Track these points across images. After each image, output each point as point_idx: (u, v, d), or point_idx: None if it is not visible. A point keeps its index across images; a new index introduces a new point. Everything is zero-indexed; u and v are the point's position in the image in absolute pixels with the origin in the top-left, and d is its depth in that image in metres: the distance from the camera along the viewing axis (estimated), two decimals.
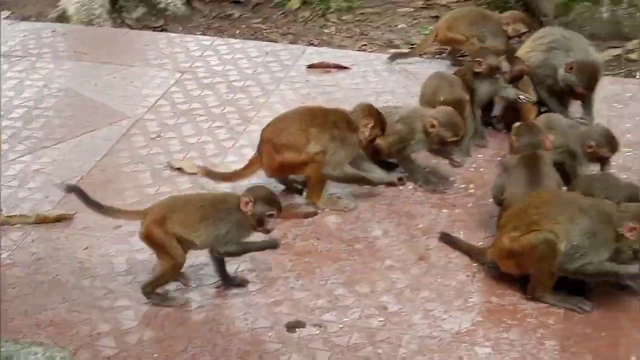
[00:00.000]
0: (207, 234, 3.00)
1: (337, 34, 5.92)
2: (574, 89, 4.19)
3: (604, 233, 3.08)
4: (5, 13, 6.07)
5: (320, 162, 3.60)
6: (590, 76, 4.18)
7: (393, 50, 5.38)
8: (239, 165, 3.91)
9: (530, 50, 4.48)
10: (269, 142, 3.64)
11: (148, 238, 3.03)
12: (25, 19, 5.94)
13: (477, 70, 4.21)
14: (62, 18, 5.91)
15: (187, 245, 3.03)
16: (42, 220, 3.57)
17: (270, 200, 3.06)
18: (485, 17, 5.03)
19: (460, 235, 3.63)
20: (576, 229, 3.11)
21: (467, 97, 4.18)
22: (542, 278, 3.15)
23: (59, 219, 3.58)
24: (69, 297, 3.10)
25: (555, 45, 4.35)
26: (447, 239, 3.55)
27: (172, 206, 3.14)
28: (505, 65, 4.31)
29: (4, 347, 2.81)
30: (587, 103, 4.34)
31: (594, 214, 3.13)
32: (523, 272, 3.21)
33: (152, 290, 3.04)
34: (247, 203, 2.96)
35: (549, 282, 3.15)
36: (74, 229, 3.56)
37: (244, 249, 3.05)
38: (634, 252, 3.07)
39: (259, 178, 3.75)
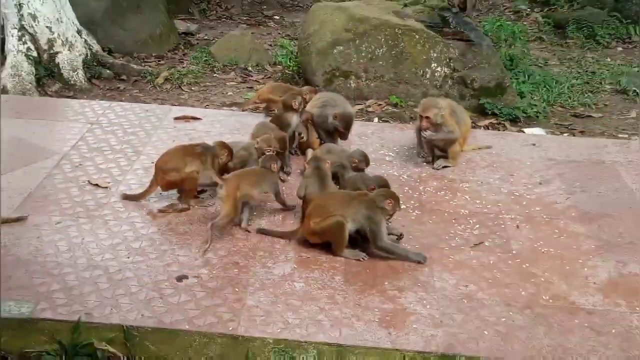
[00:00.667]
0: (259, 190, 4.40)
1: (190, 98, 7.20)
2: (338, 129, 5.38)
3: (374, 212, 4.16)
4: None
5: (193, 178, 4.57)
6: (347, 121, 5.37)
7: (227, 107, 6.65)
8: (138, 182, 4.92)
9: (312, 106, 5.55)
10: (160, 169, 4.59)
11: (228, 197, 4.24)
12: None
13: (293, 106, 5.30)
14: (3, 91, 6.79)
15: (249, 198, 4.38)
16: (5, 221, 4.30)
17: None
18: (291, 88, 6.13)
19: (278, 218, 4.63)
20: (357, 213, 4.18)
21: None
22: (339, 244, 4.15)
23: (17, 220, 4.36)
24: (29, 269, 3.88)
25: (327, 102, 5.54)
26: (263, 232, 4.40)
27: (239, 177, 4.40)
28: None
29: None
30: (344, 137, 5.45)
31: (365, 202, 4.20)
32: (324, 241, 4.21)
33: (220, 229, 4.26)
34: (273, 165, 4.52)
35: (342, 246, 4.16)
36: (28, 226, 4.34)
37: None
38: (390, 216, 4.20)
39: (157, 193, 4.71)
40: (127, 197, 4.73)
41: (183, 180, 4.60)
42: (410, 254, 4.22)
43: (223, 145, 4.83)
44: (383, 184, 4.44)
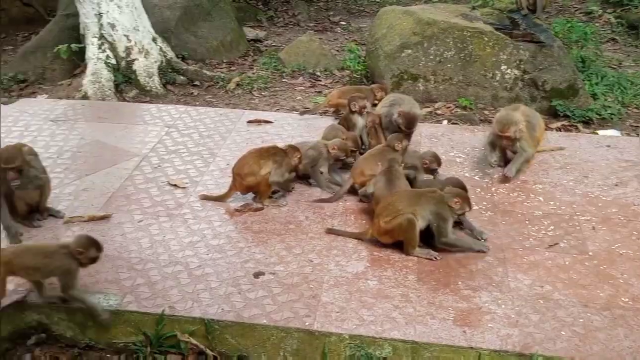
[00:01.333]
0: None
1: (260, 103, 7.27)
2: (401, 127, 5.24)
3: (442, 208, 4.21)
4: (45, 95, 7.14)
5: (267, 180, 4.68)
6: (409, 120, 5.26)
7: (296, 111, 6.68)
8: (215, 183, 5.07)
9: (382, 105, 5.66)
10: (238, 175, 4.71)
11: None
12: (59, 99, 6.95)
13: (352, 109, 5.52)
14: (85, 97, 7.03)
15: None
16: (92, 219, 4.52)
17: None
18: (361, 89, 6.29)
19: (351, 218, 4.66)
20: (426, 209, 4.22)
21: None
22: (410, 242, 4.17)
23: (102, 218, 4.55)
24: (115, 264, 4.06)
25: (395, 102, 5.55)
26: (333, 232, 4.43)
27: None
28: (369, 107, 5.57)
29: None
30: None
31: (433, 199, 4.24)
32: (395, 241, 4.23)
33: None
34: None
35: (414, 244, 4.17)
36: (112, 223, 4.52)
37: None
38: (459, 216, 4.23)
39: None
40: (206, 198, 4.85)
41: (259, 183, 4.72)
42: (474, 244, 4.29)
43: (294, 148, 4.92)
44: (458, 184, 4.45)
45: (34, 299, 3.79)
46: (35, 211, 4.53)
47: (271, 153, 4.82)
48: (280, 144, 5.32)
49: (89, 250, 3.60)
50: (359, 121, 5.58)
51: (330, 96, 6.48)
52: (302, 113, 6.45)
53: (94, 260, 3.65)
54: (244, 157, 4.83)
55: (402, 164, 4.77)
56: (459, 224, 4.43)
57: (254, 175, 4.70)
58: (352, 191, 4.98)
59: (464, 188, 4.43)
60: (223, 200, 4.82)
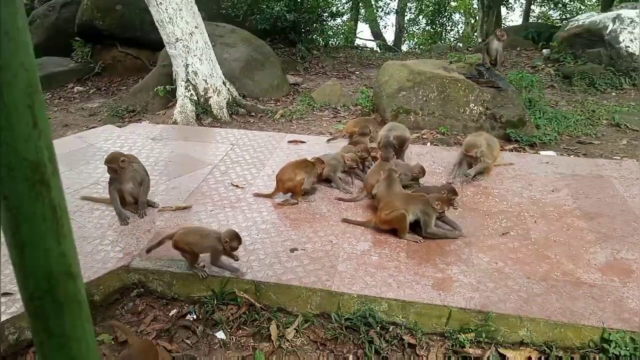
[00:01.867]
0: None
1: (297, 128, 7.27)
2: (395, 146, 5.25)
3: (428, 208, 4.16)
4: (147, 121, 7.28)
5: (301, 183, 4.69)
6: (401, 141, 5.27)
7: (324, 135, 6.63)
8: (264, 184, 5.03)
9: (383, 130, 5.50)
10: (280, 180, 4.71)
11: None
12: (157, 124, 7.09)
13: (364, 132, 5.60)
14: (175, 123, 7.17)
15: None
16: (178, 208, 4.57)
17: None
18: (369, 120, 6.19)
19: (359, 211, 4.59)
20: (416, 208, 4.17)
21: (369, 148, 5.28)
22: (402, 229, 4.14)
23: (185, 208, 4.58)
24: None
25: (391, 128, 5.44)
26: (347, 221, 4.39)
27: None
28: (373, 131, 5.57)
29: (167, 263, 3.71)
30: (399, 155, 5.33)
31: (422, 201, 4.21)
32: (391, 228, 4.20)
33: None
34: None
35: (405, 231, 4.14)
36: (192, 212, 4.56)
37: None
38: (440, 214, 4.15)
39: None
40: (258, 195, 4.85)
41: (295, 186, 4.73)
42: (449, 234, 4.19)
43: (320, 160, 4.92)
44: (451, 190, 4.32)
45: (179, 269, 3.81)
46: (137, 202, 4.58)
47: (303, 165, 4.82)
48: (309, 158, 5.34)
49: (232, 241, 3.57)
50: (367, 141, 5.61)
51: (347, 126, 6.41)
52: (329, 140, 6.36)
53: (233, 249, 3.61)
54: (284, 168, 4.83)
55: (398, 173, 4.70)
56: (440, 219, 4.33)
57: (291, 181, 4.71)
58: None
59: (455, 192, 4.31)
60: (270, 197, 4.82)
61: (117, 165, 4.34)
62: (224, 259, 3.67)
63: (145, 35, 10.23)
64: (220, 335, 3.42)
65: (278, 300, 3.62)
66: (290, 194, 4.83)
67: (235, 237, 3.59)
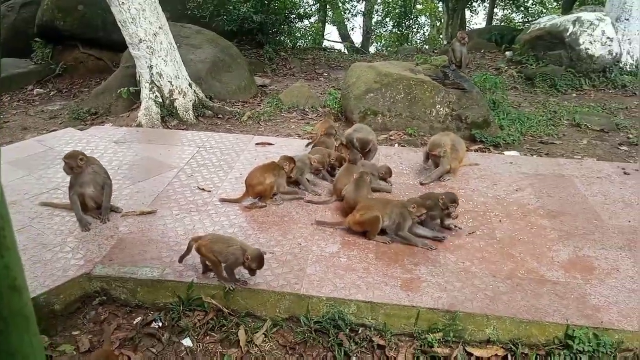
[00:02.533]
0: None
1: (265, 130, 7.18)
2: (357, 148, 5.26)
3: (405, 212, 4.11)
4: (110, 124, 7.09)
5: (271, 187, 4.65)
6: (362, 143, 5.27)
7: (292, 137, 6.55)
8: (231, 187, 4.95)
9: (349, 130, 5.55)
10: (250, 184, 4.66)
11: None
12: (120, 126, 6.91)
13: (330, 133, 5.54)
14: (139, 125, 7.01)
15: None
16: (142, 213, 4.46)
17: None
18: (331, 124, 5.99)
19: (328, 213, 4.55)
20: (393, 212, 4.13)
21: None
22: (373, 231, 4.14)
23: (149, 212, 4.48)
24: (158, 246, 4.00)
25: (356, 129, 5.48)
26: (320, 223, 4.36)
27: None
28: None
29: (131, 269, 3.65)
30: (366, 157, 5.35)
31: (399, 205, 4.19)
32: (363, 230, 4.18)
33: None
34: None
35: (376, 232, 4.14)
36: (157, 216, 4.46)
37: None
38: (418, 217, 4.11)
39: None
40: (224, 200, 4.75)
41: (265, 189, 4.69)
42: (418, 242, 4.16)
43: (288, 159, 4.85)
44: (451, 199, 4.26)
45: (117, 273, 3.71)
46: (101, 207, 4.45)
47: (271, 168, 4.77)
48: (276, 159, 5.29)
49: (253, 261, 3.48)
50: (332, 141, 5.63)
51: (318, 126, 6.35)
52: (307, 145, 6.16)
53: (252, 270, 3.53)
54: (252, 172, 4.76)
55: (369, 177, 4.67)
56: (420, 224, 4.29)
57: (261, 184, 4.66)
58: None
59: (454, 201, 4.26)
60: (238, 202, 4.74)
61: (75, 163, 4.19)
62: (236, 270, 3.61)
63: (108, 35, 10.00)
64: (187, 342, 3.35)
65: (246, 305, 3.57)
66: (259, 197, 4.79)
67: (258, 259, 3.50)
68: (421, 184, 5.22)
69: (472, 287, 3.66)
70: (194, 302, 3.58)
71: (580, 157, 6.43)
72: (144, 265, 3.76)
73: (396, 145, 6.66)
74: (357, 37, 20.88)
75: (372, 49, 19.51)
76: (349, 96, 7.37)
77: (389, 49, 18.63)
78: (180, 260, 3.73)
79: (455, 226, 4.36)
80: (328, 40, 19.57)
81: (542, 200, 4.98)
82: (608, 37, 9.41)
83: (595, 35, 9.43)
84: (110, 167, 5.37)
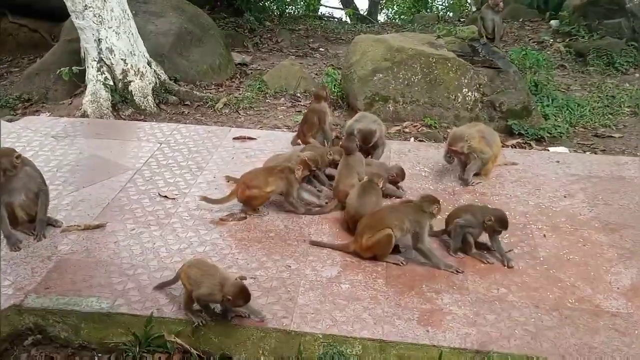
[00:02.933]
0: None
1: (245, 121, 7.27)
2: (359, 143, 5.11)
3: (423, 216, 4.14)
4: (47, 114, 7.08)
5: (268, 197, 4.67)
6: (363, 135, 5.27)
7: (278, 129, 6.60)
8: (200, 193, 4.92)
9: (349, 121, 5.65)
10: (245, 182, 4.66)
11: None
12: (60, 116, 6.88)
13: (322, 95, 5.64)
14: (84, 115, 6.98)
15: None
16: (88, 228, 4.43)
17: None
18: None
19: (325, 227, 4.58)
20: (405, 220, 4.11)
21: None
22: (385, 253, 4.14)
23: (97, 227, 4.45)
24: (108, 270, 3.98)
25: (358, 119, 5.55)
26: (316, 244, 4.32)
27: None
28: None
29: (73, 300, 3.65)
30: (375, 153, 5.43)
31: (409, 209, 4.18)
32: (373, 255, 4.16)
33: None
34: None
35: (388, 252, 4.14)
36: (107, 232, 4.43)
37: None
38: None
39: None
40: (205, 200, 4.73)
41: (257, 198, 4.70)
42: (441, 263, 4.15)
43: (303, 162, 4.84)
44: (504, 220, 4.25)
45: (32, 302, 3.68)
46: (35, 220, 4.41)
47: (279, 171, 4.74)
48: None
49: (237, 299, 3.45)
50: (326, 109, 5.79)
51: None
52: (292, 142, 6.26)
53: (235, 305, 3.51)
54: (255, 171, 4.83)
55: (382, 181, 4.67)
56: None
57: (258, 189, 4.66)
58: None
59: (505, 220, 4.25)
60: (222, 203, 4.74)
61: (10, 163, 4.17)
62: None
63: (45, 1, 9.97)
64: None
65: (220, 345, 3.55)
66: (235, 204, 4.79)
67: (241, 295, 3.46)
68: (464, 182, 5.28)
69: (508, 320, 3.65)
70: (153, 341, 3.54)
71: None
72: (89, 295, 3.71)
73: (412, 139, 6.67)
74: (362, 3, 20.91)
75: (381, 18, 19.55)
76: (351, 77, 7.38)
77: (402, 17, 18.67)
78: (159, 287, 3.75)
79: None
80: (326, 7, 19.57)
81: (598, 210, 4.98)
82: None
83: None
84: (48, 168, 5.33)
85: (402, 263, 4.18)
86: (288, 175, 4.72)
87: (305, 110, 6.31)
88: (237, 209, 4.81)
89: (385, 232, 4.11)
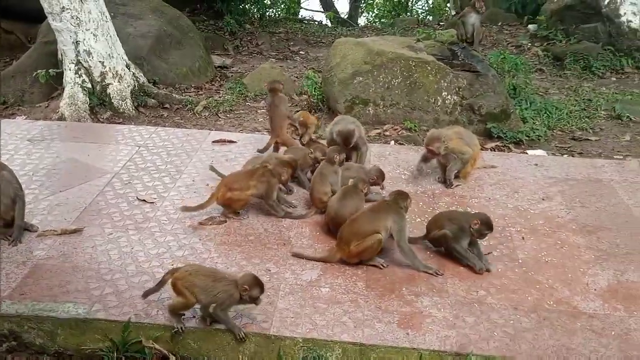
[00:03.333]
0: None
1: (225, 124, 7.26)
2: (339, 143, 5.23)
3: (401, 212, 4.17)
4: (23, 117, 6.99)
5: (248, 200, 4.68)
6: (343, 136, 5.27)
7: (259, 132, 6.56)
8: (181, 198, 4.96)
9: (329, 126, 5.62)
10: (227, 184, 4.65)
11: None
12: (36, 120, 6.83)
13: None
14: (61, 118, 6.93)
15: None
16: (64, 232, 4.40)
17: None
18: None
19: (306, 230, 4.58)
20: (387, 220, 4.13)
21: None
22: (373, 256, 4.16)
23: (74, 231, 4.43)
24: (85, 275, 3.96)
25: (337, 122, 5.53)
26: (298, 256, 4.24)
27: None
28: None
29: (49, 306, 3.63)
30: (359, 157, 5.45)
31: (387, 208, 4.20)
32: (360, 259, 4.15)
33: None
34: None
35: (373, 256, 4.17)
36: (84, 236, 4.41)
37: None
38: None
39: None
40: (186, 210, 4.69)
41: (239, 201, 4.69)
42: (421, 265, 4.17)
43: (284, 162, 4.90)
44: (487, 220, 4.26)
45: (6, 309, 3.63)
46: (11, 225, 4.36)
47: (260, 174, 4.74)
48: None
49: (253, 288, 3.47)
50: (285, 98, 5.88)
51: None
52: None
53: (253, 296, 3.49)
54: (237, 173, 4.87)
55: (366, 186, 4.66)
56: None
57: (240, 192, 4.64)
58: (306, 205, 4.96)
59: (490, 227, 4.25)
60: (203, 208, 4.69)
61: None
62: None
63: (21, 2, 9.85)
64: None
65: (199, 350, 3.53)
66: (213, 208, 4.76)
67: (257, 284, 3.50)
68: (446, 186, 5.34)
69: (487, 322, 3.67)
70: (131, 347, 3.52)
71: (621, 157, 6.54)
72: (66, 301, 3.68)
73: (392, 142, 6.68)
74: (342, 6, 20.97)
75: (361, 21, 19.62)
76: (332, 81, 7.38)
77: (382, 20, 18.75)
78: (145, 296, 3.66)
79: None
80: (306, 10, 19.60)
81: (575, 212, 5.04)
82: None
83: None
84: (23, 172, 5.28)
85: (382, 265, 4.19)
86: (269, 179, 4.71)
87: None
88: (216, 212, 4.78)
89: (376, 237, 4.12)
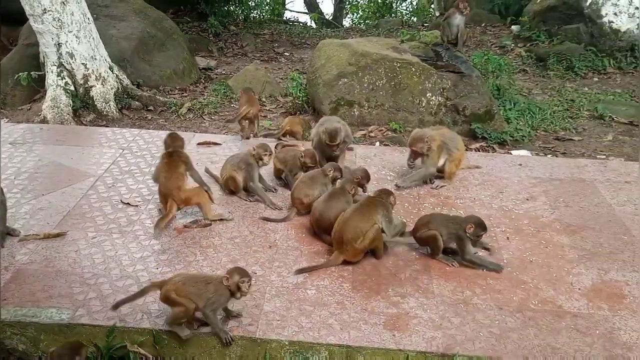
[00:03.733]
0: None
1: (210, 126, 7.25)
2: (326, 142, 5.30)
3: (388, 208, 4.23)
4: (5, 120, 6.92)
5: (205, 197, 4.66)
6: (329, 134, 5.29)
7: (242, 134, 6.43)
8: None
9: (314, 128, 5.71)
10: (166, 188, 4.61)
11: None
12: (18, 122, 6.77)
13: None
14: (44, 121, 6.88)
15: None
16: (47, 237, 4.37)
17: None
18: (303, 120, 6.58)
19: (292, 232, 4.54)
20: (379, 214, 4.19)
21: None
22: (381, 246, 4.21)
23: (57, 235, 4.40)
24: (68, 279, 3.93)
25: (321, 123, 5.57)
26: (302, 270, 4.11)
27: None
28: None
29: (32, 311, 3.59)
30: (339, 156, 5.43)
31: (376, 204, 4.23)
32: (363, 254, 4.19)
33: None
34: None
35: (382, 245, 4.24)
36: (67, 241, 4.38)
37: None
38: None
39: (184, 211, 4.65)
40: (158, 225, 4.58)
41: (195, 196, 4.69)
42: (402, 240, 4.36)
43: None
44: (480, 222, 4.28)
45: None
46: None
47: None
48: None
49: (243, 278, 3.47)
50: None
51: (285, 124, 6.59)
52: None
53: (242, 289, 3.47)
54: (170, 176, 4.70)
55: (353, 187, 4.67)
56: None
57: (178, 189, 4.61)
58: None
59: (484, 228, 4.27)
60: (167, 219, 4.61)
61: None
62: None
63: (1, 4, 9.74)
64: None
65: (185, 354, 3.51)
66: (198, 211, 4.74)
67: (239, 271, 3.52)
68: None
69: (473, 323, 3.69)
70: (116, 351, 3.50)
71: (604, 156, 6.59)
72: (49, 306, 3.66)
73: (377, 143, 6.69)
74: (327, 7, 20.98)
75: (346, 22, 19.64)
76: (316, 82, 7.38)
77: (367, 21, 18.78)
78: (116, 306, 3.58)
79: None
80: (290, 11, 19.60)
81: (559, 212, 5.07)
82: (637, 8, 9.67)
83: (621, 4, 9.70)
84: (5, 176, 5.23)
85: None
86: (248, 159, 4.93)
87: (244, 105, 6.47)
88: (200, 216, 4.76)
89: (375, 227, 4.17)
